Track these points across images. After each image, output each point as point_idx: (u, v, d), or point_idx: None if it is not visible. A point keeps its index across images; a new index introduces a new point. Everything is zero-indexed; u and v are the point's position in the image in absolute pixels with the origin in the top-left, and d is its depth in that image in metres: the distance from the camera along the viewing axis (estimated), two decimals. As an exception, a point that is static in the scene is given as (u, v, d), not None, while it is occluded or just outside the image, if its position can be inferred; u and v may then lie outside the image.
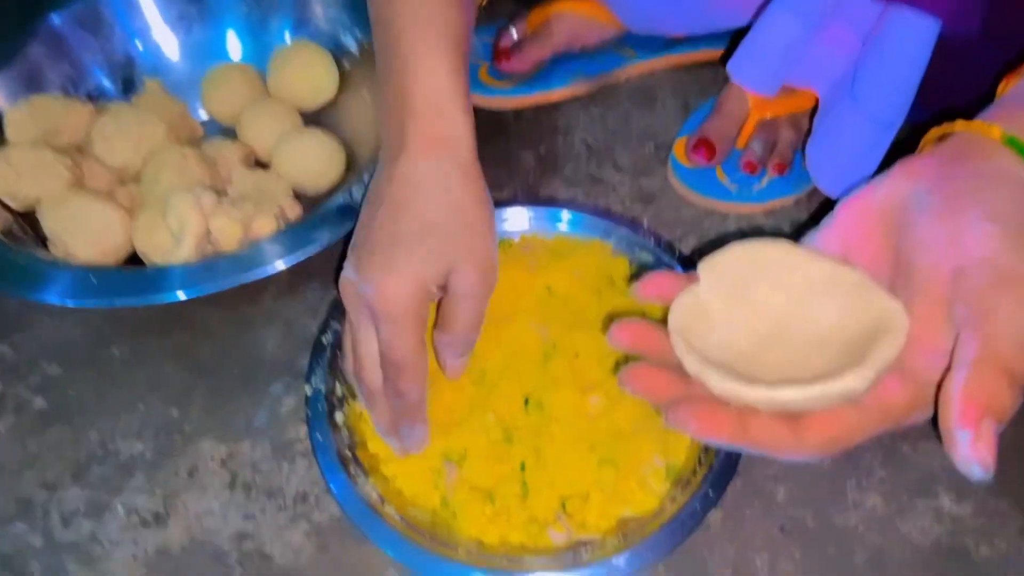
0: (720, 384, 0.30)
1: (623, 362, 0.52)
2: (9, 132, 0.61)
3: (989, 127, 0.33)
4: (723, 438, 0.30)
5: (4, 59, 0.64)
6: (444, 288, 0.44)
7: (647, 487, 0.47)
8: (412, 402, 0.44)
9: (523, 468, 0.49)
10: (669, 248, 0.55)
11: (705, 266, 0.35)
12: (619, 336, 0.34)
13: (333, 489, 0.47)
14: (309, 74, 0.67)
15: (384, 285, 0.41)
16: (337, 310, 0.54)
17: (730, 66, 0.56)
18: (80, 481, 0.52)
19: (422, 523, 0.47)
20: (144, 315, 0.59)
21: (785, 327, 0.33)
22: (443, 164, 0.43)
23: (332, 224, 0.53)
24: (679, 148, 0.65)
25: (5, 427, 0.54)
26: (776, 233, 0.62)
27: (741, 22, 0.61)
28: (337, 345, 0.52)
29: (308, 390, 0.51)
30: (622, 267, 0.56)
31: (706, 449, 0.47)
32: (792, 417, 0.30)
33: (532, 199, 0.64)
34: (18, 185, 0.57)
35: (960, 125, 0.35)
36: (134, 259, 0.59)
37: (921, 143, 0.39)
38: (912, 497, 0.49)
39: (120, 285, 0.51)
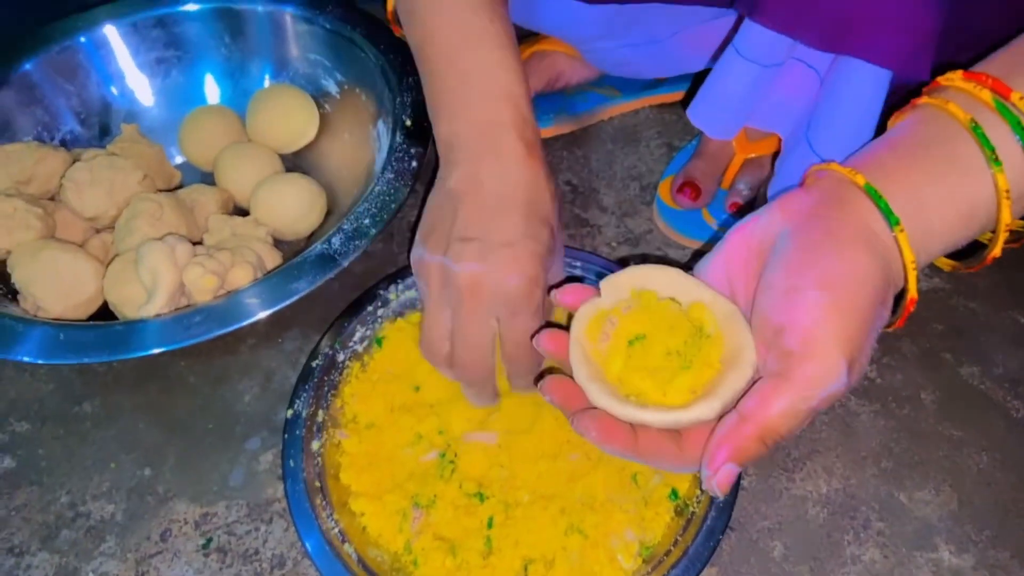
0: (597, 399, 0.36)
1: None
2: (-21, 182, 0.59)
3: (855, 174, 0.36)
4: (617, 447, 0.35)
5: (-25, 108, 0.62)
6: None
7: (615, 562, 0.46)
8: (535, 373, 0.47)
9: (490, 524, 0.47)
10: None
11: (606, 283, 0.39)
12: (545, 344, 0.40)
13: (295, 518, 0.46)
14: (289, 117, 0.66)
15: (523, 272, 0.42)
16: (330, 336, 0.53)
17: (690, 112, 0.55)
18: (49, 546, 0.50)
19: (380, 566, 0.46)
20: (117, 369, 0.57)
21: None
22: (537, 165, 0.46)
23: (311, 273, 0.52)
24: (664, 189, 0.65)
25: (-30, 489, 0.52)
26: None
27: (711, 63, 0.60)
28: (325, 371, 0.52)
29: (289, 413, 0.50)
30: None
31: (684, 529, 0.46)
32: (675, 431, 0.36)
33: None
34: (-13, 237, 0.56)
35: (835, 167, 0.37)
36: (107, 310, 0.57)
37: (804, 176, 0.40)
38: (911, 550, 0.48)
39: (90, 342, 0.49)
